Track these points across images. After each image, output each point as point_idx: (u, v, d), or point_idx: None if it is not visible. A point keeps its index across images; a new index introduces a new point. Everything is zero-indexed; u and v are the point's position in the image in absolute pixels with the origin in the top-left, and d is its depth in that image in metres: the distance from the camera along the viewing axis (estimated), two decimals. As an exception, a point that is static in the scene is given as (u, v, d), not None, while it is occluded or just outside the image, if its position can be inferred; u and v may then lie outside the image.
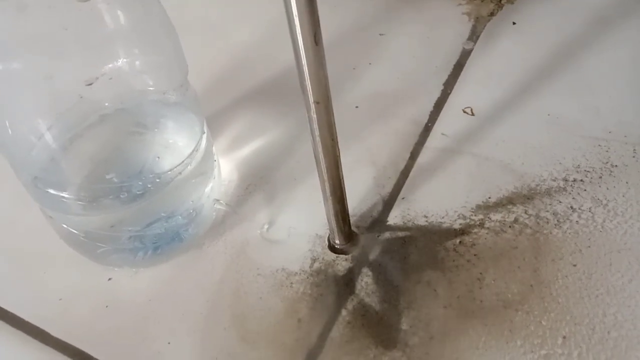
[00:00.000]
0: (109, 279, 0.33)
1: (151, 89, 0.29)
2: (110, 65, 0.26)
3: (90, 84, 0.24)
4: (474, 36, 0.45)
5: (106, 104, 0.29)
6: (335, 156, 0.28)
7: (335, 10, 0.48)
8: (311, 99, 0.25)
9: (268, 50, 0.46)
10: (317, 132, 0.26)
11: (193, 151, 0.31)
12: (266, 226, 0.35)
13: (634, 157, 0.36)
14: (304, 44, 0.22)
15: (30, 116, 0.26)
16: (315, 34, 0.22)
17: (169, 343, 0.30)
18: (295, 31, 0.22)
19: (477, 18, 0.46)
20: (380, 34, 0.46)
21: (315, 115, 0.26)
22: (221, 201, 0.35)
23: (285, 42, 0.23)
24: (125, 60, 0.27)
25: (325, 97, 0.25)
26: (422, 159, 0.38)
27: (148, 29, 0.27)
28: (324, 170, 0.29)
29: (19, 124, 0.26)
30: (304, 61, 0.23)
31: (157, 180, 0.29)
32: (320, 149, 0.27)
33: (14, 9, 0.23)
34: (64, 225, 0.31)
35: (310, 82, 0.24)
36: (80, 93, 0.25)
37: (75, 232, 0.32)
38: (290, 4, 0.21)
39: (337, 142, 0.28)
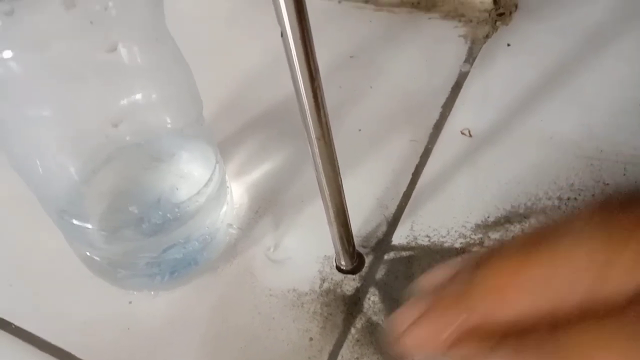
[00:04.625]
0: (130, 302, 0.35)
1: (169, 125, 0.30)
2: (131, 105, 0.28)
3: (116, 126, 0.26)
4: (470, 58, 0.47)
5: (127, 139, 0.31)
6: (337, 185, 0.30)
7: (335, 34, 0.50)
8: (313, 135, 0.27)
9: (274, 73, 0.47)
10: (320, 166, 0.28)
11: (208, 180, 0.33)
12: (275, 248, 0.37)
13: (624, 175, 0.38)
14: (304, 88, 0.24)
15: (59, 155, 0.28)
16: (314, 81, 0.24)
17: (188, 363, 0.32)
18: (297, 77, 0.24)
19: (473, 40, 0.48)
20: (378, 57, 0.48)
21: (317, 150, 0.28)
22: (234, 225, 0.37)
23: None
24: (144, 98, 0.29)
25: (326, 134, 0.27)
26: (423, 180, 0.39)
27: (165, 67, 0.29)
28: (328, 199, 0.30)
29: (48, 162, 0.27)
30: (305, 102, 0.25)
31: (176, 209, 0.31)
32: (323, 180, 0.29)
33: (38, 51, 0.25)
34: (87, 253, 0.33)
35: (312, 121, 0.26)
36: (106, 133, 0.27)
37: (97, 259, 0.34)
38: (292, 57, 0.23)
39: (339, 173, 0.30)
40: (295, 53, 0.23)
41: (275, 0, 0.22)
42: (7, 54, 0.22)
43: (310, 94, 0.24)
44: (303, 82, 0.24)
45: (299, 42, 0.22)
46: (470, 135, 0.42)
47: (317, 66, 0.24)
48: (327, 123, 0.26)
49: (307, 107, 0.25)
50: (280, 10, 0.22)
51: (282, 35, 0.23)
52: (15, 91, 0.24)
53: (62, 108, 0.25)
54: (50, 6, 0.21)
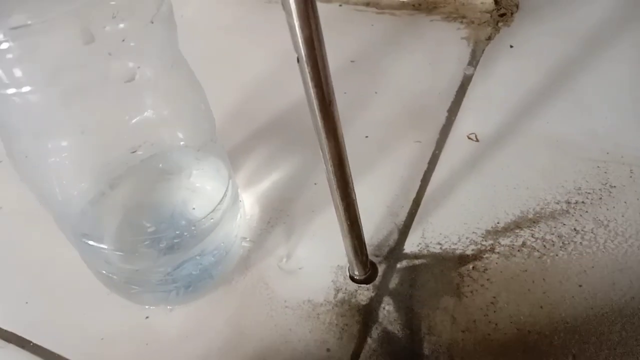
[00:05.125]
0: (147, 317, 0.36)
1: (183, 144, 0.31)
2: (148, 128, 0.28)
3: (134, 152, 0.27)
4: (473, 61, 0.47)
5: (142, 158, 0.31)
6: (352, 201, 0.30)
7: (337, 38, 0.50)
8: (328, 157, 0.27)
9: (280, 81, 0.48)
10: (333, 184, 0.29)
11: (223, 196, 0.33)
12: (288, 259, 0.37)
13: (631, 177, 0.38)
14: (320, 112, 0.25)
15: (78, 182, 0.28)
16: (330, 104, 0.24)
17: (208, 377, 0.33)
18: (313, 101, 0.24)
19: (476, 42, 0.48)
20: (381, 61, 0.48)
21: (331, 169, 0.28)
22: (247, 238, 0.37)
23: (298, 73, 0.25)
24: (160, 120, 0.29)
25: (342, 155, 0.27)
26: (432, 186, 0.40)
27: (180, 90, 0.30)
28: (342, 213, 0.31)
29: (67, 189, 0.28)
30: (320, 126, 0.25)
31: (193, 227, 0.32)
32: (337, 197, 0.30)
33: (57, 83, 0.25)
34: (103, 271, 0.34)
35: (327, 145, 0.26)
36: (126, 161, 0.27)
37: (113, 277, 0.34)
38: (308, 82, 0.23)
39: (354, 189, 0.30)
40: (311, 78, 0.23)
41: (292, 28, 0.22)
42: (26, 88, 0.22)
43: (327, 117, 0.24)
44: (319, 106, 0.24)
45: (315, 68, 0.23)
46: (477, 140, 0.42)
47: (333, 89, 0.24)
48: (343, 144, 0.26)
49: (322, 130, 0.25)
50: (297, 37, 0.22)
51: (298, 61, 0.23)
52: (35, 123, 0.24)
53: (80, 137, 0.25)
54: (69, 41, 0.21)
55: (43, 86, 0.22)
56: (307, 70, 0.23)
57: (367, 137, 0.43)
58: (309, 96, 0.24)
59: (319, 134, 0.26)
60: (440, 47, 0.49)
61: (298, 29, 0.22)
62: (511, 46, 0.48)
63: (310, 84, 0.23)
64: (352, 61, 0.49)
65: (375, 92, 0.46)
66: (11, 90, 0.23)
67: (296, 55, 0.23)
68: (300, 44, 0.22)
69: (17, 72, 0.23)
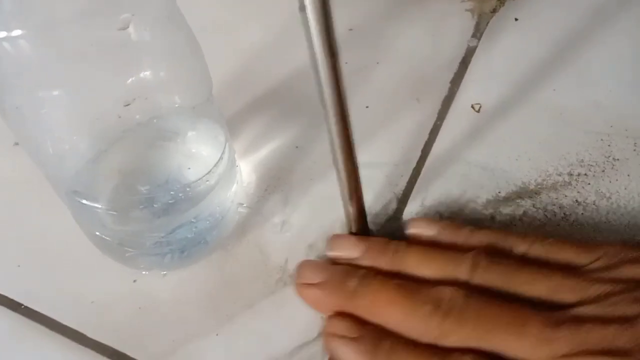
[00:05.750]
0: (136, 281, 0.35)
1: (178, 104, 0.30)
2: (142, 83, 0.27)
3: (128, 105, 0.26)
4: (477, 33, 0.46)
5: (137, 117, 0.30)
6: (354, 166, 0.30)
7: (340, 10, 0.49)
8: (331, 113, 0.27)
9: (280, 49, 0.47)
10: (337, 145, 0.28)
11: (219, 160, 0.32)
12: (285, 226, 0.37)
13: (634, 150, 0.38)
14: (323, 65, 0.24)
15: (70, 136, 0.27)
16: (334, 56, 0.24)
17: (203, 341, 0.32)
18: (316, 54, 0.24)
19: (480, 15, 0.48)
20: (384, 32, 0.47)
21: (335, 128, 0.27)
22: (244, 204, 0.37)
23: (299, 41, 0.24)
24: (154, 77, 0.28)
25: (345, 112, 0.27)
26: (432, 156, 0.39)
27: (176, 46, 0.29)
28: (344, 178, 0.30)
29: (59, 143, 0.27)
30: (323, 80, 0.25)
31: (187, 189, 0.31)
32: (340, 160, 0.29)
33: (49, 29, 0.24)
34: (97, 233, 0.33)
35: (330, 99, 0.26)
36: (118, 113, 0.26)
37: (106, 238, 0.33)
38: (312, 32, 0.23)
39: (356, 156, 0.29)
40: (315, 27, 0.22)
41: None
42: (17, 32, 0.22)
43: (330, 71, 0.24)
44: (322, 59, 0.23)
45: (320, 16, 0.22)
46: (479, 111, 0.41)
47: (336, 41, 0.23)
48: (345, 101, 0.26)
49: (325, 85, 0.24)
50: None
51: (300, 10, 0.22)
52: (27, 73, 0.24)
53: (73, 88, 0.25)
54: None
55: (34, 30, 0.22)
56: (310, 18, 0.22)
57: (367, 107, 0.43)
58: (312, 48, 0.23)
59: (320, 89, 0.25)
60: (444, 19, 0.48)
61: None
62: (516, 19, 0.47)
63: (313, 33, 0.23)
64: (350, 30, 0.48)
65: (377, 63, 0.46)
66: (2, 34, 0.22)
67: (298, 4, 0.23)
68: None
69: (7, 16, 0.22)
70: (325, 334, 0.29)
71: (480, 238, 0.31)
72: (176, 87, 0.29)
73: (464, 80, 0.43)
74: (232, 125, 0.41)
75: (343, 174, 0.30)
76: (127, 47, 0.26)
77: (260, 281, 0.34)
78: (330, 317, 0.30)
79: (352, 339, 0.28)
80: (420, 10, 0.49)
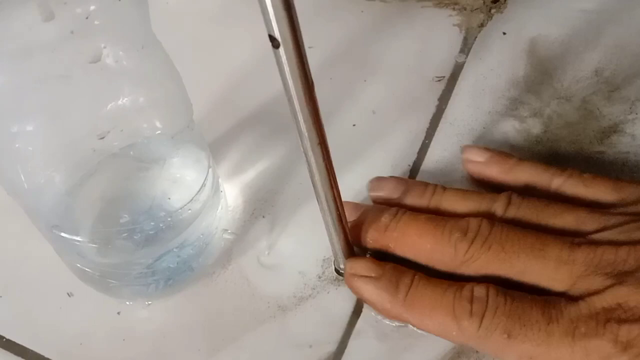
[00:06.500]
0: (119, 313, 0.34)
1: (159, 132, 0.29)
2: (119, 113, 0.27)
3: (103, 138, 0.25)
4: (465, 48, 0.46)
5: (114, 145, 0.29)
6: (335, 193, 0.29)
7: (326, 25, 0.49)
8: (309, 148, 0.26)
9: (265, 70, 0.46)
10: (317, 177, 0.28)
11: (201, 186, 0.32)
12: (272, 251, 0.36)
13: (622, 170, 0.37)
14: (299, 101, 0.23)
15: (45, 169, 0.26)
16: (311, 91, 0.23)
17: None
18: (290, 90, 0.23)
19: (468, 29, 0.47)
20: (371, 49, 0.47)
21: (314, 162, 0.27)
22: (229, 230, 0.36)
23: None
24: (132, 105, 0.28)
25: (323, 147, 0.26)
26: (421, 175, 0.39)
27: (152, 73, 0.28)
28: (325, 207, 0.30)
29: (34, 177, 0.26)
30: (300, 116, 0.24)
31: (169, 218, 0.30)
32: (320, 190, 0.28)
33: (18, 62, 0.24)
34: (78, 265, 0.32)
35: (308, 136, 0.25)
36: (94, 144, 0.26)
37: (88, 270, 0.32)
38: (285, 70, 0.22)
39: (337, 182, 0.29)
40: (288, 65, 0.21)
41: (265, 11, 0.20)
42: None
43: (307, 106, 0.23)
44: (298, 94, 0.23)
45: (293, 53, 0.21)
46: (467, 130, 0.41)
47: (312, 78, 0.23)
48: (323, 135, 0.25)
49: (302, 121, 0.24)
50: (271, 21, 0.21)
51: (273, 46, 0.22)
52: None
53: (46, 121, 0.24)
54: (28, 17, 0.20)
55: (5, 61, 0.21)
56: (283, 57, 0.22)
57: (354, 125, 0.42)
58: (286, 84, 0.23)
59: (299, 124, 0.24)
60: (432, 34, 0.47)
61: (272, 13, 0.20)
62: (504, 33, 0.46)
63: (288, 66, 0.22)
64: (340, 48, 0.47)
65: (364, 80, 0.45)
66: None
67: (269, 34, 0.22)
68: (275, 28, 0.21)
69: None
70: (347, 275, 0.31)
71: (524, 168, 0.33)
72: (154, 114, 0.29)
73: (452, 98, 0.43)
74: (216, 149, 0.41)
75: (325, 205, 0.29)
76: (101, 78, 0.25)
77: (246, 313, 0.33)
78: (351, 258, 0.32)
79: (373, 278, 0.30)
80: (407, 25, 0.48)
